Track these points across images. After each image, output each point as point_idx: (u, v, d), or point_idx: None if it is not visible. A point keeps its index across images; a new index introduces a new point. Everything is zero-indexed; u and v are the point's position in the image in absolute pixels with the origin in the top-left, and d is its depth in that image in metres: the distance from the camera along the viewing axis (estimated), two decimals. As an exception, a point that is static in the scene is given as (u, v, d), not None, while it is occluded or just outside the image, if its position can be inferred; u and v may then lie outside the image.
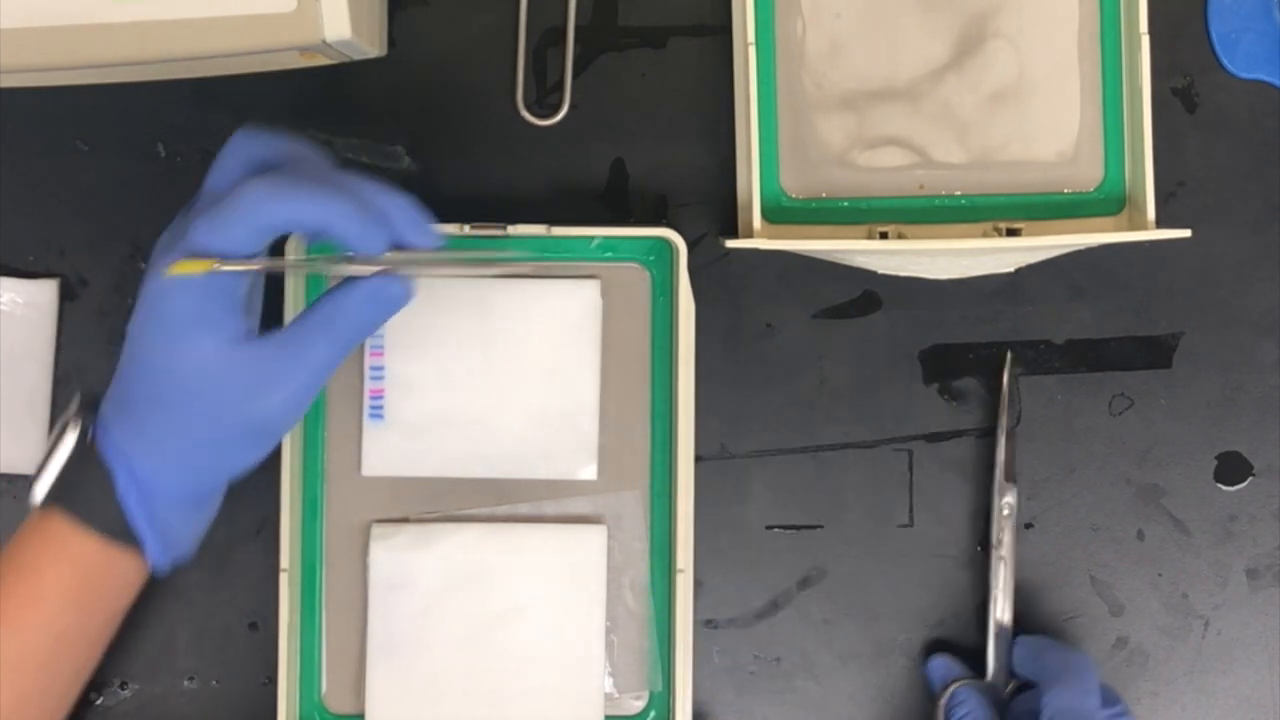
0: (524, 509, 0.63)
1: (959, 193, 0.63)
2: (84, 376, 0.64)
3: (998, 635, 0.62)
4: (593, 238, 0.62)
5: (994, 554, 0.63)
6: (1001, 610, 0.62)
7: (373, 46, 0.62)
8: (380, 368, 0.62)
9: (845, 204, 0.63)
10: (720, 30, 0.64)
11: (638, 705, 0.63)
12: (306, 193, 0.49)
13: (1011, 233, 0.61)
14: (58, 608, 0.52)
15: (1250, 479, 0.65)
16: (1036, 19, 0.63)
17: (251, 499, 0.62)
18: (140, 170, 0.65)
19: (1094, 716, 0.56)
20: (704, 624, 0.64)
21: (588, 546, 0.62)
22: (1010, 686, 0.62)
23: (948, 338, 0.65)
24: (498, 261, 0.60)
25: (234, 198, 0.49)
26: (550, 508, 0.63)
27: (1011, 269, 0.64)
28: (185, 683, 0.64)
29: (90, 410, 0.53)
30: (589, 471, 0.63)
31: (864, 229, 0.62)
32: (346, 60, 0.62)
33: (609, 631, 0.62)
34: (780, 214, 0.63)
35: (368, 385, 0.62)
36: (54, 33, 0.55)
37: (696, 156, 0.65)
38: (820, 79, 0.63)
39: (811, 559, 0.64)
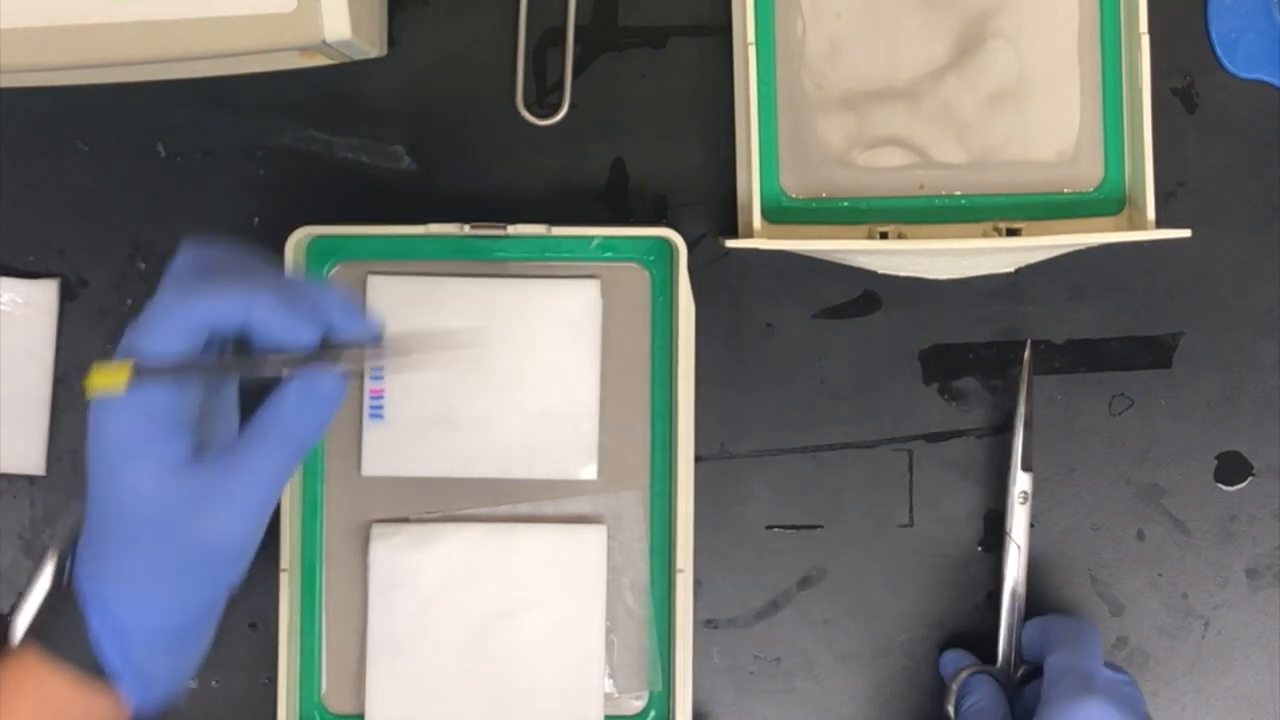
0: (524, 509, 0.63)
1: (959, 193, 0.63)
2: (84, 376, 0.64)
3: (1009, 620, 0.62)
4: (593, 238, 0.62)
5: (1007, 540, 0.63)
6: (1013, 596, 0.62)
7: (373, 46, 0.62)
8: (380, 367, 0.62)
9: (845, 204, 0.63)
10: (720, 30, 0.64)
11: (638, 705, 0.63)
12: (228, 285, 0.48)
13: (1011, 233, 0.61)
14: None
15: (1250, 479, 0.65)
16: (1036, 19, 0.63)
17: (251, 499, 0.62)
18: (140, 170, 0.65)
19: (1095, 673, 0.56)
20: (704, 624, 0.64)
21: (587, 546, 0.62)
22: (1020, 673, 0.62)
23: (948, 338, 0.65)
24: (427, 351, 0.53)
25: (157, 297, 0.48)
26: (550, 508, 0.63)
27: (1011, 269, 0.64)
28: (185, 682, 0.64)
29: (70, 542, 0.51)
30: (589, 471, 0.63)
31: (864, 229, 0.62)
32: (346, 60, 0.62)
33: (609, 631, 0.62)
34: (780, 214, 0.63)
35: (368, 385, 0.62)
36: (54, 33, 0.55)
37: (696, 156, 0.65)
38: (820, 79, 0.63)
39: (811, 559, 0.64)
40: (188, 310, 0.47)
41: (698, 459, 0.63)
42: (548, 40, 0.65)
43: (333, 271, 0.63)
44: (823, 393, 0.65)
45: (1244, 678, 0.64)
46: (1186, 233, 0.57)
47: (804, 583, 0.64)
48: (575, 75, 0.64)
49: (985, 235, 0.62)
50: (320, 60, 0.60)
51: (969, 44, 0.63)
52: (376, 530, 0.62)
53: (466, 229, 0.60)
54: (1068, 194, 0.63)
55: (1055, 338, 0.65)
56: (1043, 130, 0.63)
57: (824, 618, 0.64)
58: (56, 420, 0.64)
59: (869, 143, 0.63)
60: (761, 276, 0.65)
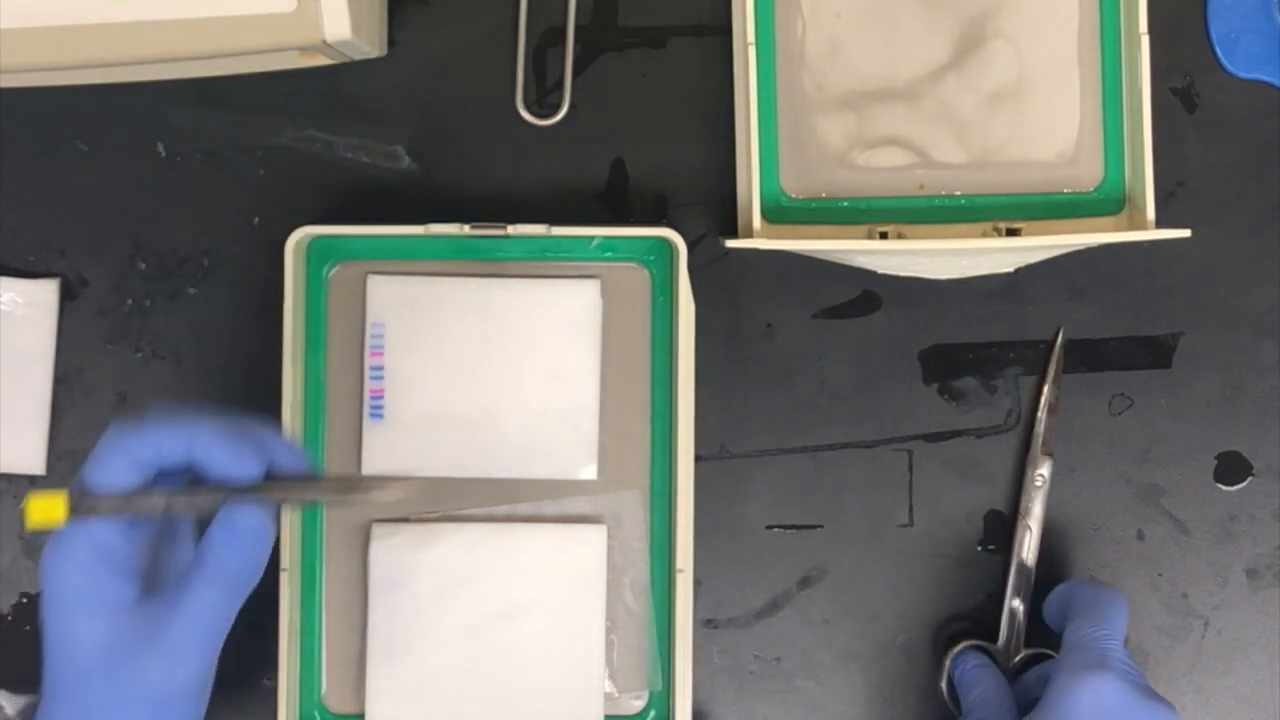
0: (524, 509, 0.63)
1: (959, 193, 0.63)
2: (84, 376, 0.64)
3: (1012, 604, 0.62)
4: (593, 238, 0.62)
5: (1020, 523, 0.63)
6: (1019, 573, 0.63)
7: (373, 46, 0.62)
8: (380, 367, 0.62)
9: (845, 204, 0.63)
10: (720, 30, 0.64)
11: (638, 705, 0.63)
12: (171, 420, 0.48)
13: (1011, 233, 0.61)
14: None
15: (1250, 479, 0.65)
16: (1036, 19, 0.63)
17: (251, 499, 0.62)
18: (140, 170, 0.65)
19: (1110, 653, 0.54)
20: (704, 624, 0.64)
21: (587, 546, 0.62)
22: (1020, 657, 0.62)
23: (948, 338, 0.65)
24: (366, 491, 0.53)
25: (103, 436, 0.48)
26: (550, 507, 0.63)
27: (1011, 269, 0.64)
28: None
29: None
30: (589, 471, 0.63)
31: (864, 229, 0.62)
32: (346, 60, 0.62)
33: (609, 631, 0.62)
34: (780, 214, 0.63)
35: (368, 385, 0.62)
36: (54, 33, 0.55)
37: (696, 156, 0.65)
38: (820, 79, 0.63)
39: (811, 559, 0.64)
40: (130, 444, 0.48)
41: (698, 459, 0.63)
42: (548, 40, 0.65)
43: (333, 271, 0.63)
44: (823, 393, 0.65)
45: (1244, 678, 0.64)
46: (1186, 233, 0.57)
47: (804, 583, 0.64)
48: (575, 75, 0.65)
49: (985, 235, 0.62)
50: (320, 60, 0.60)
51: (969, 44, 0.63)
52: (376, 530, 0.62)
53: (466, 229, 0.60)
54: (1067, 194, 0.63)
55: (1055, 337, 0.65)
56: (1042, 130, 0.63)
57: (824, 618, 0.64)
58: (56, 420, 0.64)
59: (869, 143, 0.63)
60: (761, 276, 0.65)
